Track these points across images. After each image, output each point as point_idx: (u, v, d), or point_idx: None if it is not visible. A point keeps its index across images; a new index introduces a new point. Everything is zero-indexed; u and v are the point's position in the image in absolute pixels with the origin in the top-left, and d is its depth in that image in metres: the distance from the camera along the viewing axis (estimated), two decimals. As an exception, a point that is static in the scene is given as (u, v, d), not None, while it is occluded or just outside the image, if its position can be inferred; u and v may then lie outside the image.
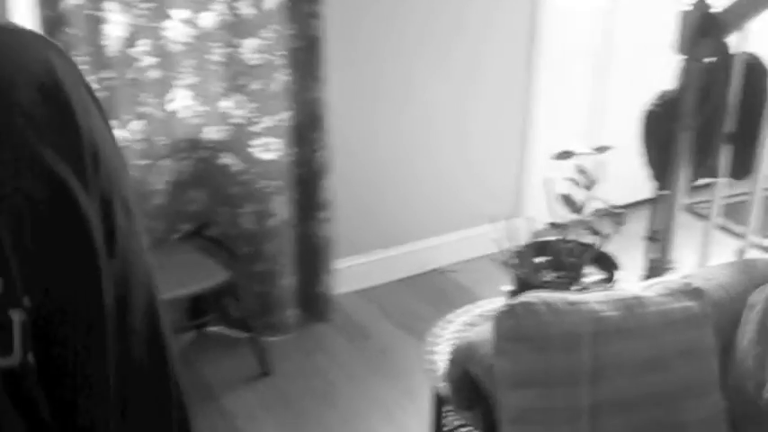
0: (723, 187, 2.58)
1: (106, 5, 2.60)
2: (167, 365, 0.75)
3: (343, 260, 3.36)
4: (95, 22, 2.60)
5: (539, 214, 3.84)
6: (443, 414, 2.52)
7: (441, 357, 2.35)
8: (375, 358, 3.09)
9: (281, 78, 2.87)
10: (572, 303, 1.71)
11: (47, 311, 0.65)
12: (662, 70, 4.04)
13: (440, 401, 2.49)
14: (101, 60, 2.63)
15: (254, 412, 2.80)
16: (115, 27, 2.63)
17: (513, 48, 3.52)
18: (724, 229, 3.61)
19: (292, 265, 3.13)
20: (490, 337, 1.79)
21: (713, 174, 2.50)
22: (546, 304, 1.68)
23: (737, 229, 3.14)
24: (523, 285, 2.31)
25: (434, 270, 3.64)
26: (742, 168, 2.52)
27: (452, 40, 3.37)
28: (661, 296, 1.81)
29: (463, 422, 2.56)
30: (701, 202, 3.01)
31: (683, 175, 2.60)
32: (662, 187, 2.63)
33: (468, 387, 1.86)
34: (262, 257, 3.05)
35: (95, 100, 0.69)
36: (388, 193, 3.46)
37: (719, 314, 1.89)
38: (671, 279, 1.99)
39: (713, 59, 2.46)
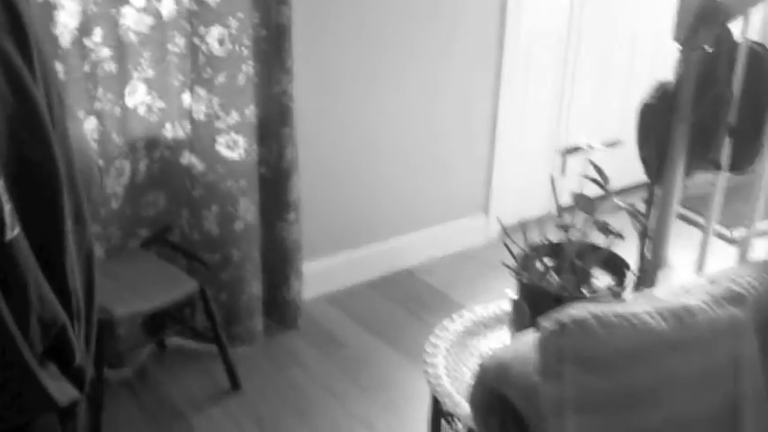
0: (722, 181, 2.47)
1: (56, -10, 2.34)
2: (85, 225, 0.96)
3: (307, 263, 3.15)
4: (46, 9, 2.33)
5: (507, 210, 3.71)
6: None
7: (441, 371, 2.18)
8: (351, 368, 2.90)
9: (247, 70, 2.65)
10: (622, 316, 1.55)
11: (18, 185, 0.80)
12: (636, 58, 3.97)
13: (438, 418, 2.32)
14: (52, 52, 2.37)
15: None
16: (67, 15, 2.37)
17: (481, 40, 3.36)
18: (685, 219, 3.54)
19: (259, 270, 2.91)
20: (532, 356, 1.63)
21: (715, 167, 2.38)
22: (596, 318, 1.53)
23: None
24: (529, 291, 2.16)
25: (403, 271, 3.46)
26: (743, 161, 2.42)
27: (422, 29, 3.19)
28: (706, 304, 1.67)
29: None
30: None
31: (679, 170, 2.48)
32: (657, 183, 2.51)
33: (500, 411, 1.69)
34: (227, 263, 2.82)
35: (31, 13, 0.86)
36: (353, 191, 3.27)
37: (756, 319, 1.77)
38: (705, 284, 1.85)
39: (713, 48, 2.35)
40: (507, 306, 2.47)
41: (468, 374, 2.15)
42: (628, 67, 3.93)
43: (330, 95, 3.07)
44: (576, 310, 1.55)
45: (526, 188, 3.77)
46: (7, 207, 0.77)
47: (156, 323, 2.84)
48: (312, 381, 2.83)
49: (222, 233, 2.79)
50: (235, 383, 2.75)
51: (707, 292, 1.72)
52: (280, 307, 3.05)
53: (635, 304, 1.63)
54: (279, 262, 2.99)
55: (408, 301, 3.29)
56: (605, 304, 1.65)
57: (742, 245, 2.50)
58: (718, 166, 2.38)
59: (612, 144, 2.14)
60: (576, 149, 2.15)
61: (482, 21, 3.34)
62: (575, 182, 3.81)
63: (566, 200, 3.91)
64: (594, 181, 2.04)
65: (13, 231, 0.78)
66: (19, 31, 0.84)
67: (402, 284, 3.39)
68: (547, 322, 1.55)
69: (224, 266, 2.82)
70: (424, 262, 3.51)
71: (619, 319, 1.55)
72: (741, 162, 2.43)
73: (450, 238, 3.58)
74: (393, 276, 3.43)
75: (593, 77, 3.86)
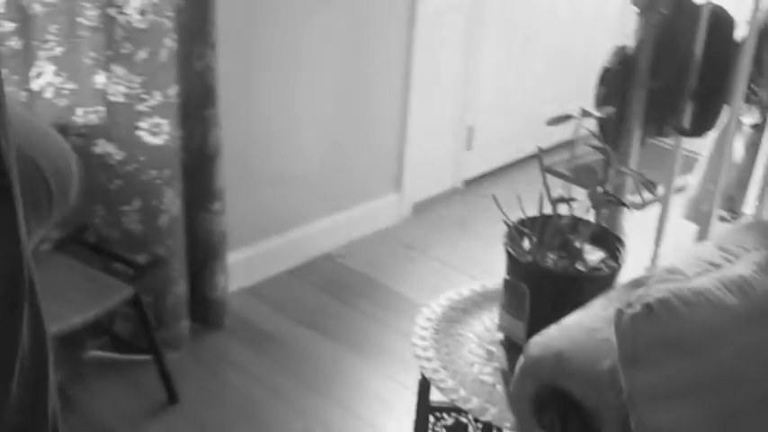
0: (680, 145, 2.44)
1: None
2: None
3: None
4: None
5: (418, 187, 3.58)
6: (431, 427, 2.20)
7: (437, 365, 2.01)
8: (290, 365, 2.68)
9: (169, 44, 2.36)
10: (698, 293, 1.45)
11: None
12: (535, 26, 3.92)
13: (426, 413, 2.16)
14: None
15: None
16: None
17: (393, 13, 3.19)
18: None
19: (185, 268, 2.63)
20: (590, 342, 1.51)
21: (679, 132, 2.34)
22: (678, 297, 1.41)
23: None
24: (526, 271, 2.02)
25: (321, 255, 3.25)
26: (703, 125, 2.39)
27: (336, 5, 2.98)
28: (757, 273, 1.59)
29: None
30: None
31: (637, 135, 2.43)
32: (614, 148, 2.44)
33: (557, 406, 1.55)
34: (153, 263, 2.52)
35: None
36: (264, 176, 3.01)
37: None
38: (716, 251, 1.79)
39: (673, 11, 2.29)
40: (478, 288, 2.34)
41: (465, 366, 2.00)
42: (532, 38, 3.88)
43: (242, 74, 2.81)
44: (659, 292, 1.43)
45: (435, 164, 3.65)
46: None
47: (74, 336, 2.51)
48: (253, 382, 2.59)
49: (145, 230, 2.49)
50: (172, 395, 2.48)
51: (752, 261, 1.65)
52: (204, 306, 2.78)
53: (701, 280, 1.53)
54: (202, 257, 2.72)
55: (332, 286, 3.09)
56: (667, 281, 1.54)
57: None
58: (681, 132, 2.34)
59: (605, 111, 2.03)
60: (564, 117, 2.03)
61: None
62: (480, 154, 3.73)
63: (471, 174, 3.83)
64: (600, 149, 1.93)
65: None
66: None
67: (322, 270, 3.19)
68: (625, 305, 1.42)
69: (149, 267, 2.52)
70: (342, 245, 3.32)
71: (696, 297, 1.44)
72: (701, 126, 2.40)
73: (364, 218, 3.40)
74: (312, 262, 3.21)
75: (499, 48, 3.76)
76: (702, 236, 2.53)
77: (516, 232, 2.08)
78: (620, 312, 1.41)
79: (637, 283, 1.68)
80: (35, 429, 0.82)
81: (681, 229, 2.91)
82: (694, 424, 1.39)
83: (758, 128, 2.92)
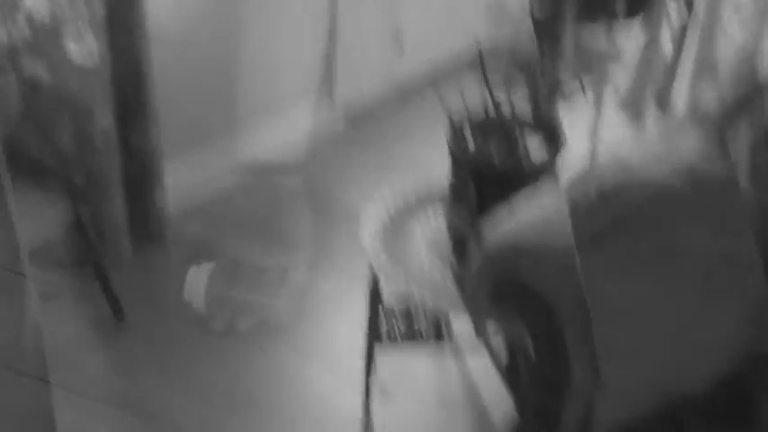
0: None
1: None
2: None
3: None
4: None
5: (350, 95, 3.56)
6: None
7: (390, 267, 2.02)
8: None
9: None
10: (646, 179, 1.49)
11: None
12: None
13: (377, 313, 2.20)
14: None
15: (127, 370, 2.31)
16: None
17: None
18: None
19: (120, 185, 2.59)
20: (539, 233, 1.55)
21: (612, 16, 2.36)
22: (630, 184, 1.46)
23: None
24: (468, 166, 2.03)
25: (258, 168, 3.21)
26: (634, 8, 2.42)
27: None
28: (700, 159, 1.64)
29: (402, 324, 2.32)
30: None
31: (571, 26, 2.44)
32: (550, 47, 2.45)
33: (515, 296, 1.59)
34: (89, 182, 2.48)
35: None
36: (194, 89, 2.94)
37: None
38: (681, 140, 1.84)
39: None
40: (422, 188, 2.34)
41: (415, 265, 2.03)
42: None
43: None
44: (606, 177, 1.46)
45: (367, 72, 3.63)
46: None
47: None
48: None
49: (79, 150, 2.43)
50: (118, 313, 2.46)
51: (689, 147, 1.69)
52: (144, 223, 2.74)
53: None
54: (139, 174, 2.67)
55: (271, 197, 3.08)
56: (614, 170, 1.58)
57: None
58: (614, 15, 2.36)
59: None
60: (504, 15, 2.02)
61: None
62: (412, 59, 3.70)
63: (403, 80, 3.81)
64: (539, 46, 1.94)
65: None
66: None
67: (260, 181, 3.15)
68: (579, 195, 1.46)
69: (87, 186, 2.48)
70: (278, 155, 3.28)
71: (645, 181, 1.49)
72: (632, 9, 2.42)
73: (298, 128, 3.37)
74: (249, 174, 3.18)
75: None
76: (638, 128, 2.59)
77: (459, 130, 2.08)
78: (573, 201, 1.44)
79: (584, 174, 1.71)
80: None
81: (615, 125, 2.96)
82: (649, 296, 1.44)
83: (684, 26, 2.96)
